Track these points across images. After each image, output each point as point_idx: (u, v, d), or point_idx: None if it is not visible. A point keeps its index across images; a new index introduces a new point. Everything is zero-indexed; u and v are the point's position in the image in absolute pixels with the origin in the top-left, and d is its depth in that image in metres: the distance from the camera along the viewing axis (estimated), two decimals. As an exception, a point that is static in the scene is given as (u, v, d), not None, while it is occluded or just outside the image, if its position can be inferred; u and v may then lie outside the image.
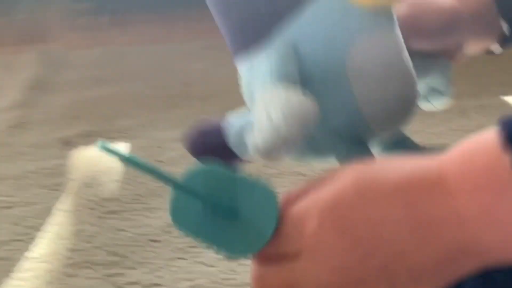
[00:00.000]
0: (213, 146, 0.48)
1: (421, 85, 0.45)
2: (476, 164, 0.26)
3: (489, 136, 0.26)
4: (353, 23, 0.41)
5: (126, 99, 1.38)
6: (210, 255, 0.78)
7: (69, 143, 1.15)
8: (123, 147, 1.13)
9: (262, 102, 0.38)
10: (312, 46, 0.40)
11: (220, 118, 0.48)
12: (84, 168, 1.05)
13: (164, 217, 0.88)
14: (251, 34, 0.42)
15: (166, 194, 0.88)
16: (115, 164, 1.05)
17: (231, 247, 0.32)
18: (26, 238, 0.85)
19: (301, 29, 0.41)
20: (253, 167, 0.97)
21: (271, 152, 0.37)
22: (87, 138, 1.16)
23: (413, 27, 0.45)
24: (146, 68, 1.62)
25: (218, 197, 0.32)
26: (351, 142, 0.42)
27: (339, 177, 0.30)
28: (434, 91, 0.48)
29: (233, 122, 0.47)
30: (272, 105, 0.36)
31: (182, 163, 1.04)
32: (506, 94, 1.27)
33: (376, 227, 0.28)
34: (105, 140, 0.99)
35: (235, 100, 1.37)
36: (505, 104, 1.24)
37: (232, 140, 0.46)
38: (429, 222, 0.27)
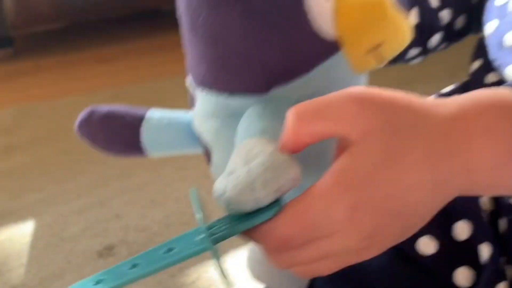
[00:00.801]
0: (118, 132, 0.46)
1: None
2: (499, 129, 0.31)
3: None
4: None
5: (35, 169, 1.48)
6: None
7: (-20, 227, 1.26)
8: (30, 225, 1.24)
9: (244, 151, 0.34)
10: None
11: (135, 109, 0.47)
12: (-6, 253, 1.16)
13: (64, 300, 1.00)
14: (244, 75, 0.38)
15: (67, 275, 1.00)
16: (22, 247, 1.16)
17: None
18: None
19: (302, 89, 0.38)
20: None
21: (235, 202, 0.33)
22: (-3, 219, 1.27)
23: None
24: (54, 128, 1.72)
25: None
26: None
27: (358, 144, 0.31)
28: None
29: (155, 115, 0.46)
30: (256, 161, 0.33)
31: (83, 239, 1.17)
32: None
33: (404, 194, 0.31)
34: (16, 219, 1.11)
35: (134, 159, 1.50)
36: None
37: (148, 134, 0.46)
38: (446, 182, 0.32)
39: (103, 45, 2.47)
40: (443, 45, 0.63)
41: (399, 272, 0.48)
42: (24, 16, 2.34)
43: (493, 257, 0.44)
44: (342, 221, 0.31)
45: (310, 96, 0.36)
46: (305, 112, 0.32)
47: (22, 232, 1.21)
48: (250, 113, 0.38)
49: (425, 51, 0.61)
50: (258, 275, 0.48)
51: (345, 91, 0.32)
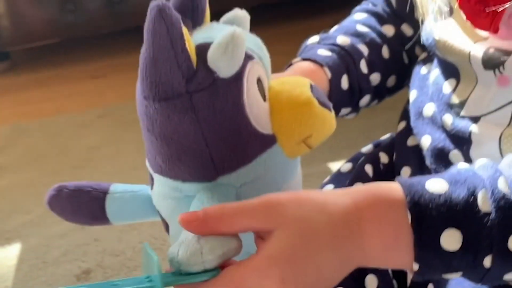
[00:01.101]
0: (85, 206, 0.52)
1: None
2: (388, 217, 0.40)
3: (397, 194, 0.40)
4: (287, 172, 0.48)
5: (24, 190, 1.59)
6: None
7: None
8: (17, 248, 1.35)
9: None
10: (251, 193, 0.44)
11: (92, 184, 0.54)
12: (-18, 275, 1.27)
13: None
14: (194, 168, 0.45)
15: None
16: (8, 269, 1.27)
17: None
18: None
19: (245, 176, 0.45)
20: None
21: (185, 263, 0.40)
22: (-14, 241, 1.38)
23: None
24: (44, 148, 1.83)
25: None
26: None
27: (278, 226, 0.40)
28: None
29: (118, 189, 0.53)
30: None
31: (64, 262, 1.28)
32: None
33: (318, 269, 0.40)
34: (3, 241, 1.22)
35: (117, 181, 1.60)
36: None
37: (112, 206, 0.52)
38: (348, 259, 0.41)
39: (96, 60, 2.57)
40: (375, 102, 0.70)
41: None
42: (19, 32, 2.44)
43: None
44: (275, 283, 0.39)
45: (252, 181, 0.46)
46: (224, 213, 0.41)
47: (9, 255, 1.32)
48: (200, 196, 0.45)
49: (356, 109, 0.68)
50: None
51: (258, 198, 0.41)
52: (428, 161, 0.59)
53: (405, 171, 0.62)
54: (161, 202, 0.49)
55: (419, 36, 0.65)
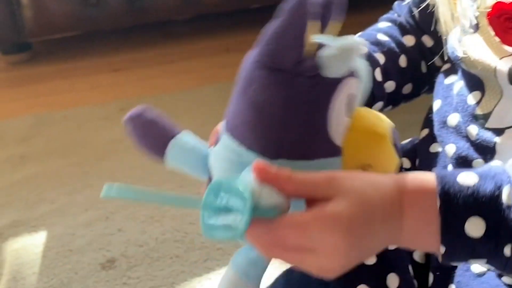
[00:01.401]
0: (155, 137, 0.56)
1: None
2: (422, 203, 0.45)
3: (431, 183, 0.46)
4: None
5: (48, 180, 1.63)
6: None
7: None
8: (42, 235, 1.39)
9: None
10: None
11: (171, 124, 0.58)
12: (10, 261, 1.32)
13: (70, 308, 1.16)
14: (264, 140, 0.49)
15: (73, 285, 1.15)
16: (35, 256, 1.32)
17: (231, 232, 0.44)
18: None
19: (299, 169, 0.47)
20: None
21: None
22: (14, 228, 1.43)
23: None
24: (67, 139, 1.87)
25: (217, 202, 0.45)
26: None
27: (339, 195, 0.44)
28: None
29: (184, 138, 0.57)
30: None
31: (89, 251, 1.32)
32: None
33: (373, 244, 0.46)
34: (29, 229, 1.27)
35: (140, 174, 1.64)
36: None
37: (173, 150, 0.56)
38: (390, 235, 0.46)
39: (117, 53, 2.61)
40: (389, 107, 0.73)
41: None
42: (42, 24, 2.49)
43: None
44: (332, 246, 0.43)
45: None
46: (293, 176, 0.45)
47: (35, 242, 1.37)
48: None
49: None
50: None
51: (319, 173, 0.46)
52: (452, 168, 0.62)
53: None
54: (217, 162, 0.53)
55: (438, 48, 0.68)
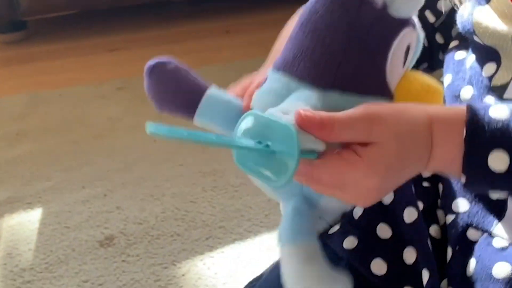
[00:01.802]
0: (183, 87, 0.51)
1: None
2: (451, 133, 0.45)
3: (463, 114, 0.45)
4: None
5: (44, 157, 1.59)
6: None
7: (-7, 211, 1.37)
8: (38, 212, 1.35)
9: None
10: None
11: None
12: (5, 237, 1.28)
13: (67, 284, 1.12)
14: (319, 70, 0.48)
15: (71, 262, 1.12)
16: (31, 233, 1.28)
17: (275, 175, 0.43)
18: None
19: (347, 102, 0.47)
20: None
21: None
22: (9, 205, 1.39)
23: None
24: (63, 117, 1.83)
25: (258, 141, 0.43)
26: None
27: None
28: None
29: (218, 90, 0.53)
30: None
31: (86, 228, 1.28)
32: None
33: (404, 176, 0.46)
34: (25, 206, 1.24)
35: (138, 152, 1.62)
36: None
37: (207, 102, 0.51)
38: (421, 156, 0.46)
39: (113, 33, 2.56)
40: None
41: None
42: (37, 2, 2.43)
43: (431, 281, 0.54)
44: (367, 188, 0.44)
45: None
46: (335, 122, 0.44)
47: (31, 219, 1.33)
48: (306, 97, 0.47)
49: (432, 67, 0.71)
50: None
51: (360, 110, 0.44)
52: None
53: None
54: (263, 96, 0.50)
55: (440, 24, 0.67)
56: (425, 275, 0.54)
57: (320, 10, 0.48)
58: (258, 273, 0.75)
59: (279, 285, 0.65)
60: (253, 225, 1.25)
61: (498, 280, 0.50)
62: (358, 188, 0.44)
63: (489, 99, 0.56)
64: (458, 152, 0.45)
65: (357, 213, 0.61)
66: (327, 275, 0.47)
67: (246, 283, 0.74)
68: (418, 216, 0.56)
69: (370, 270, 0.58)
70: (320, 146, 0.43)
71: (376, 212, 0.59)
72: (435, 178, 0.60)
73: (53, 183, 1.47)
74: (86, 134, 1.71)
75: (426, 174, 0.57)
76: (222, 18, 2.67)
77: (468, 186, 0.46)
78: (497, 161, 0.44)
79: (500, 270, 0.51)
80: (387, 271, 0.57)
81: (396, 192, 0.59)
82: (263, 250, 1.17)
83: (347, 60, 0.47)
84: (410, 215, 0.57)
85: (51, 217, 1.33)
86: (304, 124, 0.43)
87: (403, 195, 0.58)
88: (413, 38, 0.50)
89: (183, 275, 1.12)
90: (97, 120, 1.79)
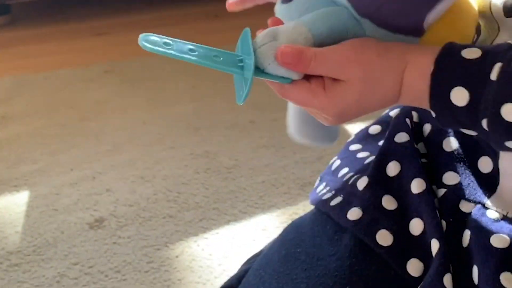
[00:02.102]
0: None
1: None
2: (421, 65, 0.47)
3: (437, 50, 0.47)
4: None
5: (31, 140, 1.55)
6: (92, 301, 1.00)
7: (-23, 194, 1.33)
8: (25, 195, 1.31)
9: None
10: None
11: None
12: (-9, 220, 1.24)
13: (56, 267, 1.08)
14: None
15: (59, 244, 1.08)
16: (17, 216, 1.24)
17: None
18: None
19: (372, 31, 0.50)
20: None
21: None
22: (-7, 187, 1.34)
23: None
24: (49, 100, 1.78)
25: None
26: None
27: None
28: None
29: None
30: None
31: (75, 211, 1.24)
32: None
33: (373, 87, 0.48)
34: (11, 188, 1.19)
35: (127, 135, 1.59)
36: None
37: None
38: (390, 89, 0.48)
39: (99, 18, 2.51)
40: None
41: (358, 262, 0.56)
42: (21, -15, 2.38)
43: (442, 251, 0.52)
44: (329, 118, 0.49)
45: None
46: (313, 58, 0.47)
47: (18, 201, 1.29)
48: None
49: None
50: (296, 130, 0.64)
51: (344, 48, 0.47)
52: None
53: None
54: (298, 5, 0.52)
55: None
56: (435, 245, 0.52)
57: None
58: (253, 254, 0.72)
59: (278, 261, 0.63)
60: (247, 207, 1.21)
61: (497, 250, 0.49)
62: (319, 115, 0.49)
63: None
64: (425, 86, 0.47)
65: (361, 185, 0.58)
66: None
67: (241, 264, 0.71)
68: (426, 187, 0.54)
69: (376, 241, 0.55)
70: (294, 76, 0.48)
71: (381, 184, 0.57)
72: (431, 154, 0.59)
73: (40, 165, 1.42)
74: (73, 117, 1.66)
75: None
76: (211, 2, 2.63)
77: (438, 120, 0.48)
78: (458, 96, 0.45)
79: (497, 241, 0.49)
80: (392, 242, 0.55)
81: (402, 164, 0.57)
82: (258, 230, 1.14)
83: None
84: (418, 186, 0.55)
85: (38, 199, 1.29)
86: (282, 61, 0.47)
87: (410, 167, 0.56)
88: None
89: (177, 256, 1.08)
90: (84, 103, 1.75)
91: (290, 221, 1.15)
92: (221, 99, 1.71)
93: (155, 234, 1.14)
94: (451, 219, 0.53)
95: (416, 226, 0.55)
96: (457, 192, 0.53)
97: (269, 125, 1.54)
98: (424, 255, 0.53)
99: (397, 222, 0.56)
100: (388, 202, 0.57)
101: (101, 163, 1.41)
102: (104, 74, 1.94)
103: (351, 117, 0.49)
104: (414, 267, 0.53)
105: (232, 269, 1.04)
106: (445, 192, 0.54)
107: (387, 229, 0.55)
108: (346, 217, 0.57)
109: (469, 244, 0.51)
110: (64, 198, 1.29)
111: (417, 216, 0.55)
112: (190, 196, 1.26)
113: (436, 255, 0.51)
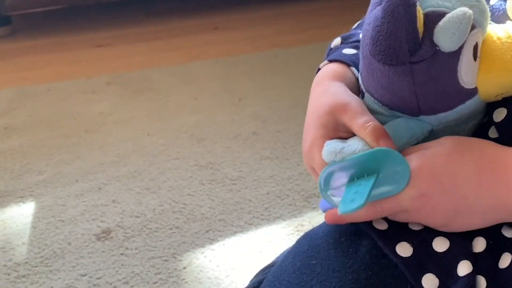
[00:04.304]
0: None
1: None
2: None
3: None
4: (475, 112, 0.56)
5: (34, 151, 1.55)
6: (101, 312, 1.01)
7: (-17, 205, 1.33)
8: (31, 206, 1.32)
9: None
10: (444, 130, 0.56)
11: None
12: (-3, 231, 1.24)
13: (64, 278, 1.08)
14: (407, 104, 0.53)
15: (67, 255, 1.08)
16: (24, 227, 1.24)
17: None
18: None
19: (442, 119, 0.54)
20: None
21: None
22: (0, 199, 1.35)
23: None
24: (52, 111, 1.79)
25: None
26: None
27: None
28: None
29: None
30: None
31: (82, 222, 1.25)
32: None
33: (464, 181, 0.49)
34: (16, 200, 1.20)
35: (131, 146, 1.59)
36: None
37: None
38: (492, 188, 0.49)
39: (100, 29, 2.52)
40: None
41: (374, 275, 0.56)
42: (22, -4, 2.39)
43: (470, 275, 0.51)
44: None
45: (447, 122, 0.53)
46: None
47: (24, 212, 1.29)
48: (398, 123, 0.53)
49: None
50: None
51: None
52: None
53: None
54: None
55: None
56: (463, 266, 0.52)
57: (379, 72, 0.52)
58: (261, 266, 0.72)
59: (293, 273, 0.63)
60: (253, 218, 1.22)
61: None
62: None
63: None
64: None
65: None
66: None
67: (249, 275, 0.71)
68: None
69: (395, 251, 0.55)
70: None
71: None
72: None
73: (44, 176, 1.43)
74: (77, 128, 1.67)
75: None
76: (211, 14, 2.65)
77: None
78: None
79: None
80: (411, 254, 0.55)
81: None
82: (265, 242, 1.15)
83: (423, 102, 0.52)
84: None
85: (44, 211, 1.30)
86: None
87: None
88: (474, 38, 0.50)
89: (185, 268, 1.09)
90: (87, 114, 1.76)
91: (296, 233, 1.17)
92: (223, 110, 1.72)
93: (163, 245, 1.15)
94: (491, 242, 0.54)
95: (440, 243, 0.55)
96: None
97: (272, 136, 1.55)
98: (443, 273, 0.52)
99: (421, 238, 0.55)
100: (415, 224, 0.57)
101: (106, 174, 1.42)
102: (106, 86, 1.95)
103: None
104: (429, 281, 0.52)
105: (239, 280, 1.05)
106: None
107: (409, 242, 0.55)
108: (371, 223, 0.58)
109: (508, 267, 0.51)
110: (70, 209, 1.30)
111: (441, 235, 0.55)
112: (196, 207, 1.27)
113: (465, 276, 0.51)
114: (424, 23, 0.49)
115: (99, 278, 1.08)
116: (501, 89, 0.52)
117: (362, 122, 0.53)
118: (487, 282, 0.51)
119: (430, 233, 0.55)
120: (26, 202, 1.33)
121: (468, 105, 0.52)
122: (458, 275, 0.51)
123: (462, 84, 0.51)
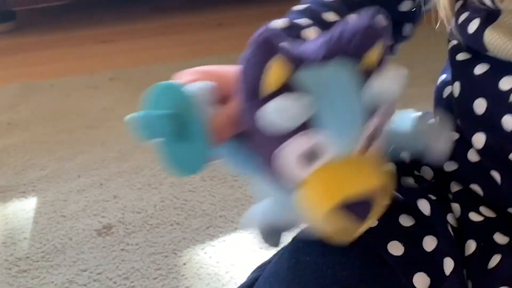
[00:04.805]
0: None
1: None
2: None
3: None
4: None
5: (37, 147, 1.56)
6: (101, 307, 1.01)
7: (-15, 200, 1.34)
8: (33, 201, 1.32)
9: None
10: None
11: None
12: (-1, 226, 1.25)
13: (65, 273, 1.09)
14: None
15: (68, 251, 1.09)
16: (25, 222, 1.25)
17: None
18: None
19: None
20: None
21: None
22: (2, 194, 1.35)
23: None
24: (55, 107, 1.80)
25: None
26: None
27: None
28: None
29: None
30: None
31: (83, 217, 1.25)
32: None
33: None
34: (19, 195, 1.20)
35: (133, 142, 1.61)
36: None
37: None
38: None
39: (104, 25, 2.53)
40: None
41: (369, 271, 0.57)
42: (27, -8, 2.40)
43: (457, 271, 0.51)
44: None
45: None
46: None
47: (25, 207, 1.30)
48: None
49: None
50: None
51: None
52: (483, 159, 0.57)
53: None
54: None
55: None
56: (449, 263, 0.52)
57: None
58: (260, 262, 0.73)
59: (288, 270, 0.63)
60: (254, 214, 1.22)
61: None
62: None
63: (509, 118, 0.52)
64: None
65: None
66: None
67: (249, 272, 0.72)
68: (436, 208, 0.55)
69: (387, 249, 0.56)
70: None
71: (398, 207, 0.58)
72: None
73: (47, 172, 1.43)
74: (79, 124, 1.68)
75: None
76: (215, 10, 2.65)
77: None
78: None
79: None
80: (403, 253, 0.55)
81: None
82: (265, 239, 1.15)
83: None
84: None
85: (46, 206, 1.30)
86: None
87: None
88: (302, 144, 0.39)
89: (185, 264, 1.09)
90: (90, 110, 1.76)
91: (295, 230, 1.17)
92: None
93: (163, 241, 1.16)
94: (482, 244, 0.53)
95: (429, 242, 0.55)
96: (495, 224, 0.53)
97: (274, 133, 1.55)
98: (433, 272, 0.53)
99: (410, 236, 0.56)
100: (405, 220, 0.57)
101: (108, 170, 1.42)
102: (109, 82, 1.95)
103: None
104: (420, 280, 0.52)
105: (239, 276, 1.05)
106: (481, 221, 0.54)
107: (400, 242, 0.56)
108: None
109: (496, 266, 0.50)
110: (72, 204, 1.30)
111: (430, 234, 0.56)
112: (197, 203, 1.27)
113: (450, 274, 0.52)
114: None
115: (99, 274, 1.08)
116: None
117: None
118: (473, 284, 0.51)
119: (420, 232, 0.55)
120: (28, 197, 1.34)
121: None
122: (445, 274, 0.51)
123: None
